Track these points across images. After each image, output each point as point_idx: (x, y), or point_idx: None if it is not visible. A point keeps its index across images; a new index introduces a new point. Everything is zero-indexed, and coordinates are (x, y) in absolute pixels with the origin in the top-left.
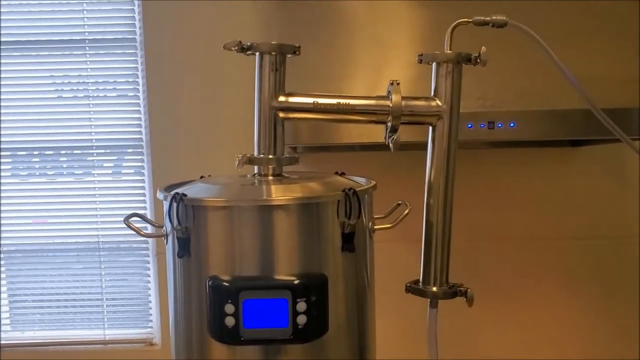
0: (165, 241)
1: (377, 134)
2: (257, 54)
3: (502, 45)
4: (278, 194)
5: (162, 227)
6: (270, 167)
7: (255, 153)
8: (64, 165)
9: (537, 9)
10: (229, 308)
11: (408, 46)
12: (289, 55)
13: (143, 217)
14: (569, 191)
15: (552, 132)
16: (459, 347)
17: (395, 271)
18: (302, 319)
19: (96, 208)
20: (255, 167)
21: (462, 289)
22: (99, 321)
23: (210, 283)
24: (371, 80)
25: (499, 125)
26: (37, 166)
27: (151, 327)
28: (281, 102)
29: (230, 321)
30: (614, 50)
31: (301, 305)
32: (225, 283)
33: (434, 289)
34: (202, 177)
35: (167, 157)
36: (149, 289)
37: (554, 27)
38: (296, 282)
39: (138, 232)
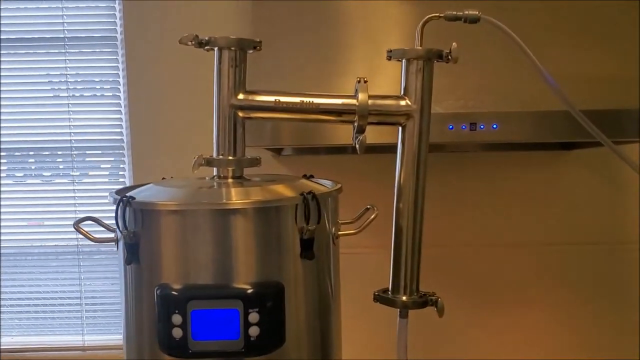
0: (116, 247)
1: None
2: (216, 49)
3: (487, 43)
4: (233, 197)
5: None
6: (229, 169)
7: (215, 154)
8: (43, 167)
9: (539, 9)
10: (177, 319)
11: (402, 43)
12: (250, 51)
13: (97, 221)
14: (560, 196)
15: (536, 135)
16: (449, 355)
17: (379, 280)
18: (254, 331)
19: (75, 211)
20: (215, 169)
21: (433, 298)
22: (77, 326)
23: (158, 292)
24: (366, 77)
25: (481, 126)
26: (14, 167)
27: None
28: (241, 100)
29: (177, 332)
30: (613, 50)
31: (253, 316)
32: (173, 292)
33: (404, 298)
34: (163, 178)
35: (148, 159)
36: None
37: (554, 26)
38: (249, 291)
39: (87, 236)
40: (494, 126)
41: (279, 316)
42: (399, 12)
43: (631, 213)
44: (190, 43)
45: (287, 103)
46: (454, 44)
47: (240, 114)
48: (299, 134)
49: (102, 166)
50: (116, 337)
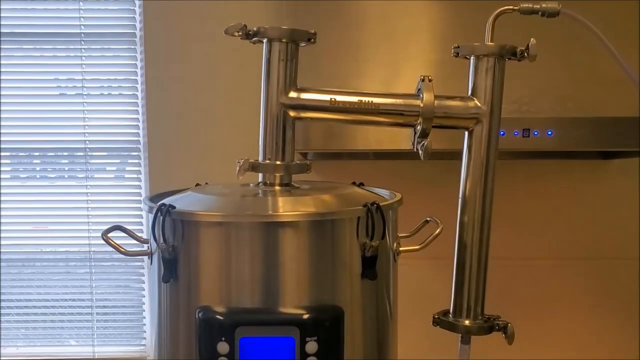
0: (149, 261)
1: (399, 139)
2: (265, 41)
3: (542, 43)
4: (285, 208)
5: (147, 242)
6: (277, 175)
7: (260, 158)
8: (55, 169)
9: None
10: (223, 347)
11: (424, 43)
12: (303, 44)
13: (126, 231)
14: (597, 207)
15: (594, 142)
16: None
17: (411, 292)
18: None
19: (88, 215)
20: (260, 175)
21: (500, 322)
22: (88, 337)
23: (200, 315)
24: (385, 79)
25: (535, 133)
26: (25, 169)
27: (144, 344)
28: (292, 98)
29: None
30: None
31: (311, 346)
32: (218, 316)
33: (467, 322)
34: (197, 184)
35: (166, 162)
36: (143, 303)
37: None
38: (305, 316)
39: (118, 249)
40: (549, 133)
41: (337, 345)
42: (420, 12)
43: None
44: (237, 34)
45: (343, 103)
46: (532, 39)
47: (291, 113)
48: (329, 138)
49: (117, 169)
50: (128, 349)
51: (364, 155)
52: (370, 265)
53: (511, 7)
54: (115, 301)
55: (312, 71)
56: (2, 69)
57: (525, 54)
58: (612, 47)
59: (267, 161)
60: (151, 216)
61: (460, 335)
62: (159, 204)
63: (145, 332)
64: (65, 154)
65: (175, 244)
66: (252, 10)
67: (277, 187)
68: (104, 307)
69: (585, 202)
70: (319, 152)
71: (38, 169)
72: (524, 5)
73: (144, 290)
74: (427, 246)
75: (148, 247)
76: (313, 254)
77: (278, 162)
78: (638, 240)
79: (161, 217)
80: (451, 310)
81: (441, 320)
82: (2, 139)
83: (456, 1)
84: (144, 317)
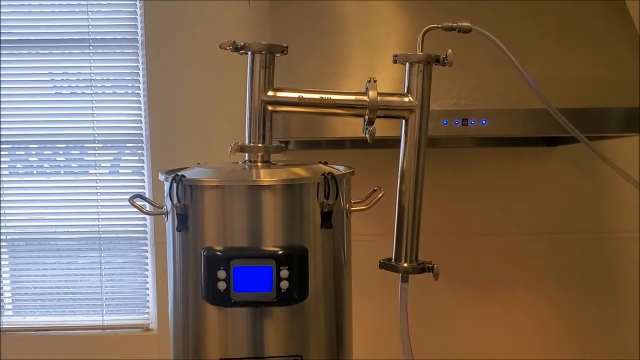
0: (165, 218)
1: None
2: (249, 53)
3: (479, 49)
4: (265, 176)
5: (162, 207)
6: (259, 154)
7: (246, 142)
8: (67, 159)
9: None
10: (221, 274)
11: (400, 46)
12: (278, 55)
13: (144, 198)
14: (545, 189)
15: (522, 130)
16: (444, 348)
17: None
18: (284, 285)
19: (97, 200)
20: (246, 155)
21: (430, 265)
22: (97, 307)
23: (205, 253)
24: (363, 79)
25: (472, 122)
26: (40, 159)
27: (148, 313)
28: (270, 96)
29: (222, 286)
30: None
31: (284, 273)
32: (218, 252)
33: (405, 264)
34: (198, 164)
35: (166, 152)
36: (147, 277)
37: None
38: (280, 252)
39: (141, 210)
40: (483, 122)
41: (303, 274)
42: (396, 19)
43: (609, 204)
44: (228, 48)
45: (308, 99)
46: (449, 50)
47: (269, 107)
48: (305, 127)
49: (122, 158)
50: (134, 317)
51: (340, 144)
52: (327, 218)
53: (435, 25)
54: (121, 275)
55: (302, 72)
56: (19, 72)
57: (445, 61)
58: (513, 58)
59: (252, 144)
60: (167, 184)
61: (400, 275)
62: (173, 174)
63: (148, 302)
64: (78, 146)
65: (186, 203)
66: (245, 14)
67: (260, 163)
68: (112, 280)
69: (532, 184)
70: (299, 140)
71: (53, 159)
72: (446, 24)
73: (147, 265)
74: (372, 207)
75: (164, 208)
76: (286, 209)
77: (260, 145)
78: (576, 217)
79: (175, 184)
80: (393, 257)
81: (385, 264)
82: (21, 132)
83: (427, 4)
84: (147, 289)
